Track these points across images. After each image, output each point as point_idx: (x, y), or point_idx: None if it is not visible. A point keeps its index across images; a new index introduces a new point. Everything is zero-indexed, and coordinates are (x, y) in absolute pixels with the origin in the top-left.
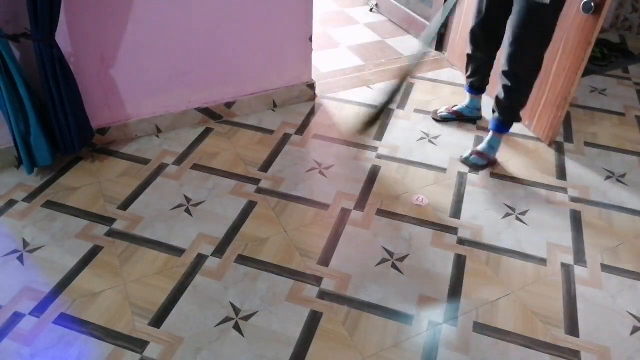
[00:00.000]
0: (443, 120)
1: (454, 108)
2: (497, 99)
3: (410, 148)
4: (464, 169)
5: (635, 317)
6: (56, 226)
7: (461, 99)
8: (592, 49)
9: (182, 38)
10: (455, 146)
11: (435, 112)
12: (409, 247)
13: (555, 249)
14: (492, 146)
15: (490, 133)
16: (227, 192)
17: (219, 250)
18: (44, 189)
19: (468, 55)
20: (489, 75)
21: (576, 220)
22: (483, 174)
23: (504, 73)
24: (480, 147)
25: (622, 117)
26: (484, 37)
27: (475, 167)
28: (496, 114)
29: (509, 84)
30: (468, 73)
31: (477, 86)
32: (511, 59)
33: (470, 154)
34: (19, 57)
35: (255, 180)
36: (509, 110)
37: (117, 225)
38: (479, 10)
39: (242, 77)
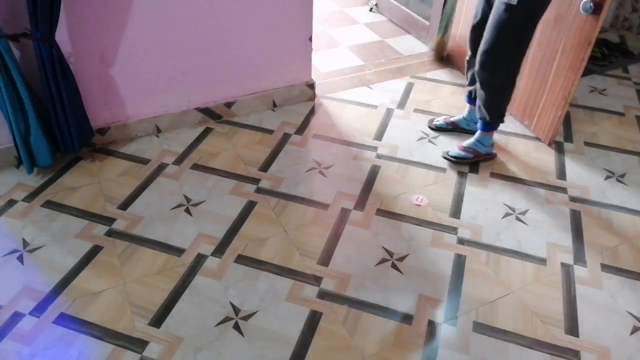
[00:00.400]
0: (438, 129)
1: (452, 119)
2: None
3: (410, 148)
4: (464, 168)
5: (635, 317)
6: (56, 226)
7: (461, 99)
8: (592, 49)
9: (182, 38)
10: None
11: (431, 121)
12: (409, 247)
13: (555, 249)
14: (481, 142)
15: (478, 131)
16: (227, 192)
17: (219, 250)
18: (44, 189)
19: (467, 61)
20: None
21: (576, 220)
22: (483, 173)
23: (477, 73)
24: (466, 142)
25: (622, 117)
26: (478, 41)
27: (458, 160)
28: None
29: (479, 85)
30: (468, 82)
31: (474, 96)
32: (481, 61)
33: (453, 148)
34: (19, 57)
35: (255, 180)
36: (482, 110)
37: (117, 225)
38: (475, 14)
39: (242, 77)
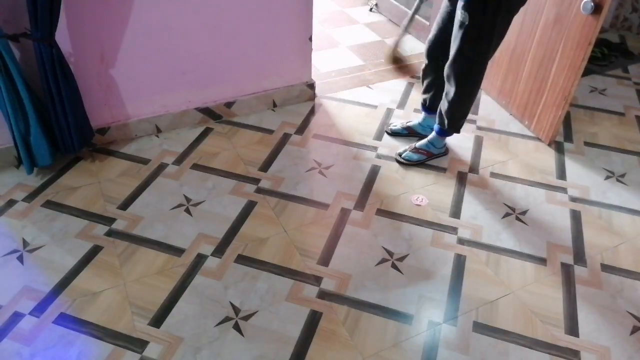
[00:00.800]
0: (394, 134)
1: (408, 124)
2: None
3: None
4: (465, 168)
5: (635, 317)
6: (56, 226)
7: None
8: (592, 49)
9: (182, 38)
10: (455, 146)
11: (387, 125)
12: (409, 247)
13: (555, 249)
14: (433, 144)
15: (432, 132)
16: (227, 192)
17: (219, 250)
18: (44, 189)
19: (422, 70)
20: (442, 95)
21: (576, 220)
22: (483, 173)
23: (445, 83)
24: (419, 143)
25: (622, 117)
26: (436, 51)
27: (408, 163)
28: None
29: (444, 95)
30: (422, 89)
31: (429, 105)
32: (446, 74)
33: (405, 150)
34: (19, 57)
35: (255, 180)
36: (442, 117)
37: (117, 225)
38: (436, 22)
39: (242, 77)
